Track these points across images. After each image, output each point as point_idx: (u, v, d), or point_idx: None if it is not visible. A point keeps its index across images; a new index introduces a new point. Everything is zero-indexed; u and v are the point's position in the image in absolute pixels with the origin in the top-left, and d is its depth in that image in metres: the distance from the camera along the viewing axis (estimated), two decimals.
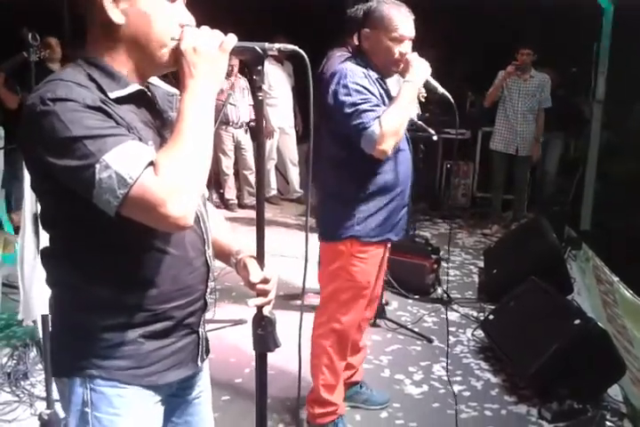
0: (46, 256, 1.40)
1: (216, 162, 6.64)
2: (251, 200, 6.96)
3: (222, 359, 3.37)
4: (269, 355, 1.51)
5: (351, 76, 2.46)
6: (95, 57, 1.31)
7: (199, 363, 1.50)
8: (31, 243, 2.72)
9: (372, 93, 2.47)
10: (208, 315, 1.51)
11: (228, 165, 6.90)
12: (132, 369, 1.35)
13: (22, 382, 3.09)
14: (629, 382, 3.17)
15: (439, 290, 4.67)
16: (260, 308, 1.47)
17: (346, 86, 2.44)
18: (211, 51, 1.28)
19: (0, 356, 3.29)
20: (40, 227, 2.59)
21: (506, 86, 5.98)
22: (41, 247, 2.03)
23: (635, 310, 3.31)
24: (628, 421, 3.01)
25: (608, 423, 2.87)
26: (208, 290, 1.47)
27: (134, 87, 1.31)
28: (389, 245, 2.79)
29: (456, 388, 3.30)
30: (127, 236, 1.27)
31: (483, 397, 3.26)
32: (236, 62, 6.09)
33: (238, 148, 6.87)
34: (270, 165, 7.08)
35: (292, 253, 4.63)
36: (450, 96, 2.52)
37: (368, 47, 2.56)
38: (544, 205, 6.49)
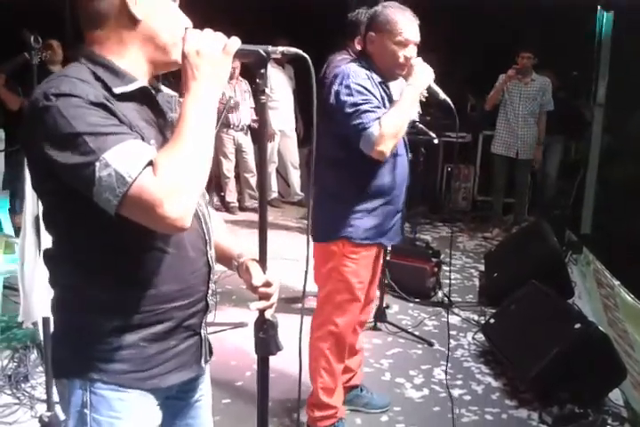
0: (48, 257, 1.40)
1: (217, 165, 6.64)
2: (252, 203, 6.96)
3: (223, 362, 3.36)
4: (270, 358, 1.50)
5: (354, 77, 2.48)
6: (99, 55, 1.32)
7: (203, 365, 1.50)
8: (32, 245, 2.72)
9: (374, 95, 2.49)
10: (208, 318, 1.50)
11: (228, 167, 6.90)
12: (133, 373, 1.34)
13: (23, 385, 3.09)
14: (630, 386, 3.17)
15: (440, 293, 4.66)
16: (262, 311, 1.47)
17: (348, 87, 2.45)
18: (214, 53, 1.28)
19: (1, 358, 3.28)
20: (41, 229, 2.60)
21: (507, 90, 5.99)
22: (43, 249, 2.04)
23: (635, 314, 3.31)
24: (629, 425, 3.00)
25: None
26: (210, 291, 1.46)
27: (139, 84, 1.32)
28: (389, 249, 2.79)
29: (457, 392, 3.30)
30: (128, 236, 1.27)
31: (483, 401, 3.25)
32: (237, 65, 6.10)
33: (239, 150, 6.87)
34: (271, 168, 7.07)
35: (293, 256, 4.63)
36: (451, 102, 2.53)
37: (373, 51, 2.57)
38: (545, 209, 6.50)
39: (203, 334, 1.48)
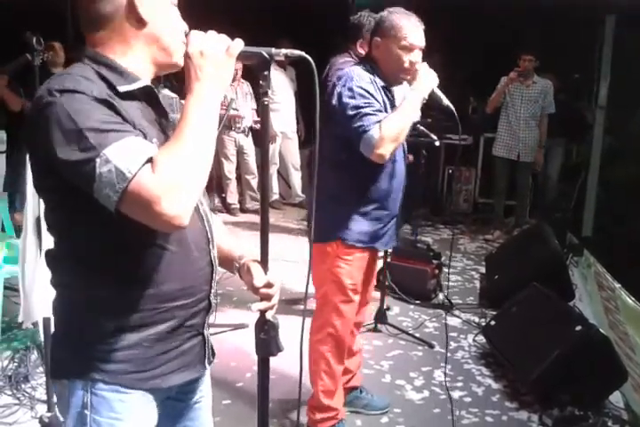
0: (50, 257, 1.40)
1: (218, 166, 6.65)
2: (253, 205, 6.97)
3: (223, 363, 3.36)
4: (271, 359, 1.51)
5: (357, 80, 2.49)
6: (103, 55, 1.32)
7: (206, 365, 1.50)
8: (32, 245, 2.72)
9: (376, 99, 2.50)
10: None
11: (230, 169, 6.90)
12: (135, 373, 1.34)
13: (23, 385, 3.09)
14: (631, 388, 3.17)
15: (440, 295, 4.66)
16: (263, 312, 1.47)
17: (351, 89, 2.46)
18: (217, 55, 1.29)
19: (1, 358, 3.28)
20: (42, 229, 2.61)
21: (508, 92, 5.99)
22: (44, 249, 2.04)
23: (636, 317, 3.31)
24: None
25: None
26: (213, 291, 1.46)
27: (142, 83, 1.33)
28: (390, 251, 2.79)
29: (457, 394, 3.30)
30: (128, 233, 1.27)
31: (484, 403, 3.25)
32: (239, 67, 6.11)
33: (240, 152, 6.87)
34: (272, 170, 7.08)
35: (294, 258, 4.63)
36: (453, 108, 2.53)
37: (379, 56, 2.58)
38: (546, 211, 6.49)
39: (206, 335, 1.47)
